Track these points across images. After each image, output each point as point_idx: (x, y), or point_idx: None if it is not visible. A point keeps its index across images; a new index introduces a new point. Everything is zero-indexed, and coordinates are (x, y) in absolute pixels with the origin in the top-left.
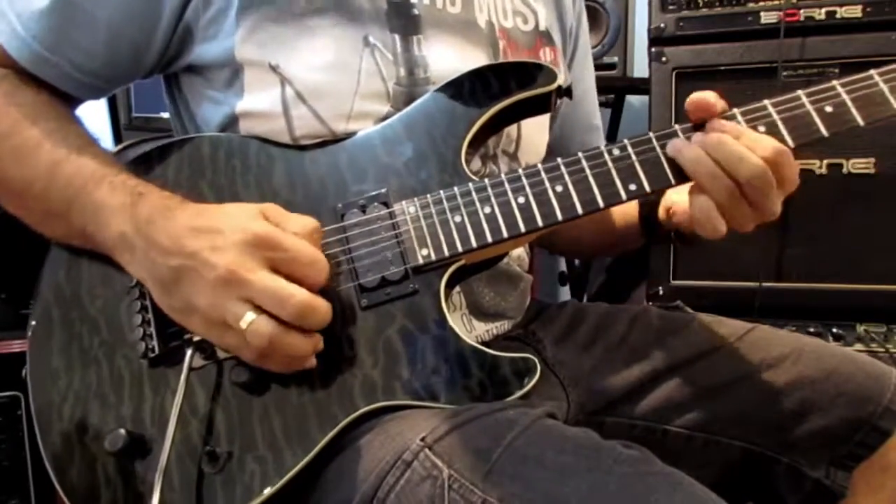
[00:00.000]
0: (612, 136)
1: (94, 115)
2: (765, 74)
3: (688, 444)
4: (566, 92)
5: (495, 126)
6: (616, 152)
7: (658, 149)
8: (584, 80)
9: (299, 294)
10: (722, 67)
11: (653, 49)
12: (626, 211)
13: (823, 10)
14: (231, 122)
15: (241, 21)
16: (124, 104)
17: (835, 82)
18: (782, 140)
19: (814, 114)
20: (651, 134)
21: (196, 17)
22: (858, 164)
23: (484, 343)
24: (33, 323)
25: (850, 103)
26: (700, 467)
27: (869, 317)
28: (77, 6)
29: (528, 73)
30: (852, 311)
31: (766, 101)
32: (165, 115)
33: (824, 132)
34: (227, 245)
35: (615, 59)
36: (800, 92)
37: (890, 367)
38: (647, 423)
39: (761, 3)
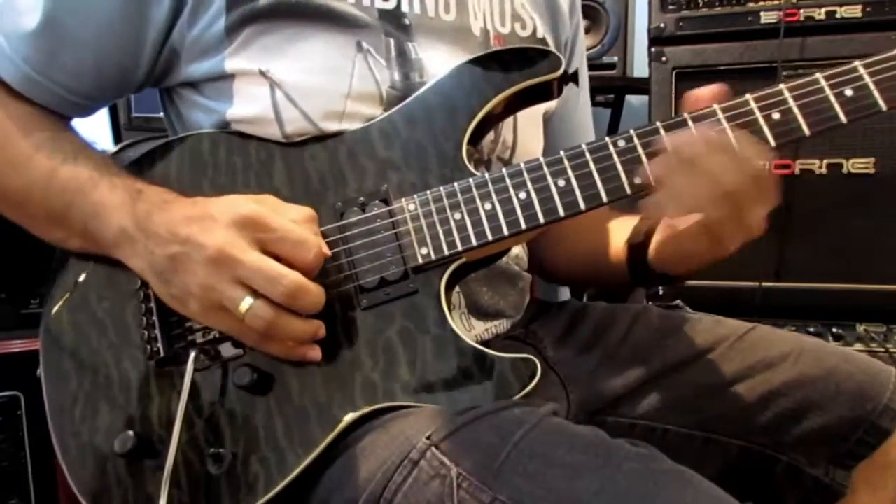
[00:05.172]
0: None
1: (95, 114)
2: (765, 74)
3: (688, 443)
4: (572, 77)
5: (498, 116)
6: (622, 143)
7: (666, 140)
8: (580, 103)
9: (290, 275)
10: (722, 67)
11: (653, 49)
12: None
13: (823, 10)
14: (222, 128)
15: (231, 37)
16: (124, 104)
17: (857, 63)
18: (798, 128)
19: (832, 98)
20: (659, 123)
21: (181, 38)
22: (858, 164)
23: (484, 342)
24: (45, 324)
25: (872, 86)
26: (700, 466)
27: (869, 317)
28: (65, 29)
29: (531, 59)
30: (852, 311)
31: (781, 86)
32: None
33: (843, 118)
34: (217, 227)
35: (615, 58)
36: (818, 75)
37: (889, 367)
38: (647, 423)
39: (761, 3)
